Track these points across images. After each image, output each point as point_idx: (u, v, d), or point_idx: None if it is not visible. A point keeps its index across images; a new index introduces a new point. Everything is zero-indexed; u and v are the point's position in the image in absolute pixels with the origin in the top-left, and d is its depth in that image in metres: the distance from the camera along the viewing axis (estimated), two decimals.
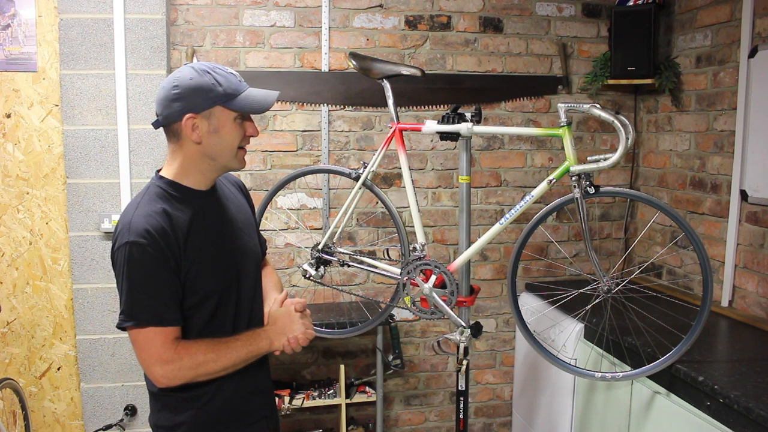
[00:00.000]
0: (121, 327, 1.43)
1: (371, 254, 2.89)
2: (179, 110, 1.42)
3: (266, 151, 2.83)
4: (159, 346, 1.42)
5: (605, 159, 1.85)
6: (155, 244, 1.39)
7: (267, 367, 1.68)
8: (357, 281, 2.99)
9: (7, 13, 2.57)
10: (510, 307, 2.11)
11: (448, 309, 2.07)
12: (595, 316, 2.26)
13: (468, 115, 2.03)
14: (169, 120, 1.44)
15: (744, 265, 2.46)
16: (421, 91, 2.91)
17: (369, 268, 2.26)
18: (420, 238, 2.13)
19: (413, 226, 2.15)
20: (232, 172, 1.65)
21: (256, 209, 1.82)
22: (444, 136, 2.07)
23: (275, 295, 1.70)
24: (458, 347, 2.10)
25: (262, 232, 1.83)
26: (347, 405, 2.79)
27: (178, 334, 1.45)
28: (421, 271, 2.10)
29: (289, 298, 1.64)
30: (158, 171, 1.52)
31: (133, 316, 1.41)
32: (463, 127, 2.01)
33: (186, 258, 1.44)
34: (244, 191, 1.74)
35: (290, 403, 2.71)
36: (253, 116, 1.52)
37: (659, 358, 1.92)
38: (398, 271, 2.15)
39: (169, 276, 1.42)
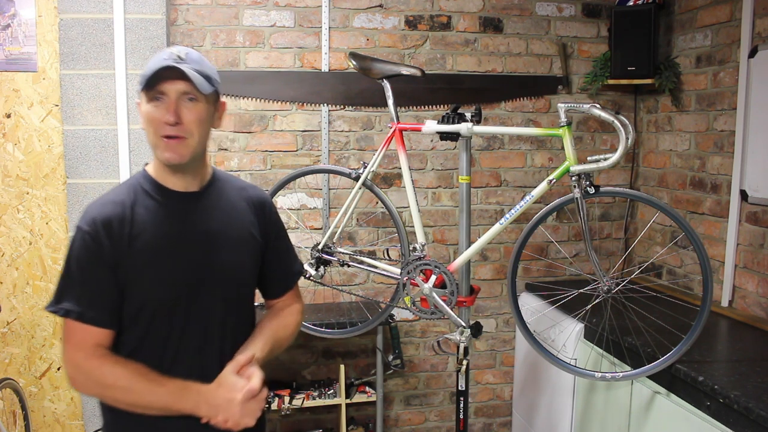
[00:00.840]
0: (47, 309, 1.35)
1: (371, 254, 2.89)
2: None
3: (266, 151, 2.83)
4: (74, 344, 1.32)
5: (605, 159, 1.86)
6: (95, 236, 1.31)
7: None
8: (357, 281, 2.98)
9: (7, 13, 2.57)
10: (510, 307, 2.11)
11: (448, 309, 2.07)
12: (595, 316, 2.26)
13: (468, 115, 2.03)
14: None
15: (744, 265, 2.46)
16: (421, 91, 2.91)
17: (369, 268, 2.27)
18: (420, 238, 2.13)
19: (413, 226, 2.15)
20: (256, 187, 1.54)
21: None
22: (444, 136, 2.07)
23: (260, 344, 1.44)
24: (458, 347, 2.10)
25: None
26: (347, 405, 2.79)
27: (102, 339, 1.33)
28: (421, 271, 2.10)
29: (251, 369, 1.37)
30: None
31: (58, 303, 1.33)
32: (463, 127, 2.01)
33: (130, 258, 1.33)
34: (258, 210, 1.51)
35: (290, 403, 2.71)
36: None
37: (659, 358, 1.92)
38: (398, 271, 2.15)
39: (102, 272, 1.32)
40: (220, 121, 1.45)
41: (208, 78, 1.35)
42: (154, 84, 1.31)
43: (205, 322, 1.39)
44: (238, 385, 1.33)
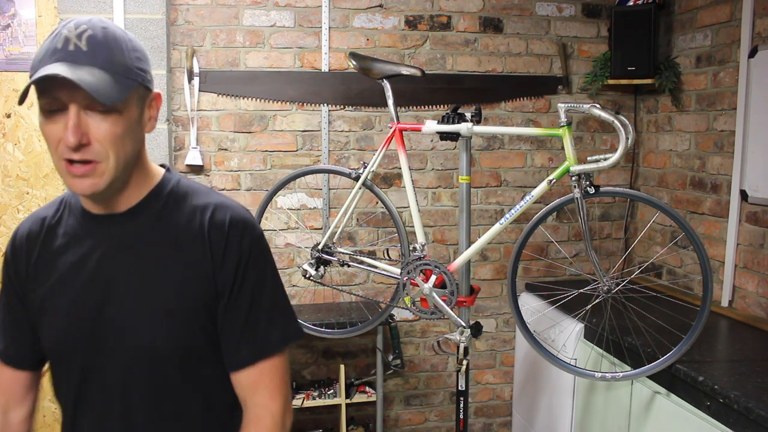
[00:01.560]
0: None
1: (371, 254, 2.89)
2: None
3: (266, 151, 2.83)
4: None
5: (605, 159, 1.86)
6: (8, 256, 1.11)
7: None
8: (357, 281, 2.98)
9: (7, 13, 2.57)
10: (510, 307, 2.11)
11: (448, 309, 2.07)
12: (595, 316, 2.26)
13: (468, 115, 2.03)
14: None
15: (744, 265, 2.46)
16: (421, 91, 2.91)
17: (369, 268, 2.27)
18: (420, 238, 2.13)
19: (413, 226, 2.15)
20: (231, 207, 1.08)
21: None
22: (444, 136, 2.07)
23: None
24: (458, 347, 2.10)
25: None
26: (347, 405, 2.78)
27: (24, 382, 1.12)
28: (421, 271, 2.10)
29: None
30: None
31: None
32: (463, 127, 2.01)
33: (33, 291, 1.07)
34: (216, 237, 1.04)
35: None
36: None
37: (659, 358, 1.92)
38: (398, 271, 2.15)
39: (12, 300, 1.10)
40: (155, 121, 1.05)
41: (124, 70, 0.95)
42: (43, 90, 0.92)
43: (104, 390, 1.05)
44: None
